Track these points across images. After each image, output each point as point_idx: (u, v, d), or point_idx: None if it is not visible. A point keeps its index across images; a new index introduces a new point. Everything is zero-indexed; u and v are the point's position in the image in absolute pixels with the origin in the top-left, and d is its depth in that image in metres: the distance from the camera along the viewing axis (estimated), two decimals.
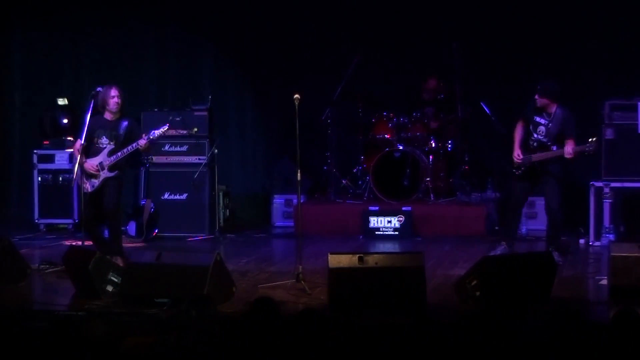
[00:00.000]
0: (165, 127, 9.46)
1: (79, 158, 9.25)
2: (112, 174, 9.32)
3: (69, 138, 12.33)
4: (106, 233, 10.14)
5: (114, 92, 9.38)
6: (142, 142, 9.22)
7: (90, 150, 9.35)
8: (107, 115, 9.42)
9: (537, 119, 9.68)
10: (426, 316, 5.98)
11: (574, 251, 10.49)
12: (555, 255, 9.81)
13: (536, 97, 9.59)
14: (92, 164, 9.30)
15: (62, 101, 12.72)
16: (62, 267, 8.87)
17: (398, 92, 12.66)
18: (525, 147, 9.74)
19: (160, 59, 13.51)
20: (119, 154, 9.29)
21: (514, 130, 9.89)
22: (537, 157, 9.66)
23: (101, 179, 9.32)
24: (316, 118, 12.01)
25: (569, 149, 9.47)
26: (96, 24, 13.40)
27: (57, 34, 13.61)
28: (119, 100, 9.37)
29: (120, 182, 9.50)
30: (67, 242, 10.88)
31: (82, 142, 9.26)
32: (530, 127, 9.71)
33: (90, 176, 9.32)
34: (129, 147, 9.28)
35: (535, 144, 9.70)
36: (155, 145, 10.61)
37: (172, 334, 5.22)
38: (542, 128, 9.66)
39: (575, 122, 9.66)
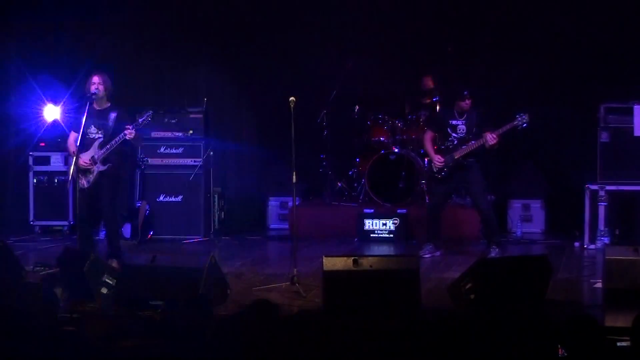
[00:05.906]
0: (150, 114, 9.48)
1: (75, 153, 9.24)
2: (104, 167, 9.31)
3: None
4: (101, 235, 10.13)
5: (94, 79, 9.40)
6: (128, 132, 9.19)
7: (84, 143, 9.33)
8: (95, 105, 9.45)
9: (454, 121, 10.29)
10: (420, 319, 5.97)
11: (569, 254, 10.51)
12: (495, 251, 9.96)
13: (467, 101, 10.13)
14: (84, 159, 9.31)
15: (58, 103, 12.70)
16: (56, 269, 8.87)
17: (393, 95, 12.65)
18: (442, 151, 10.33)
19: (156, 61, 13.48)
20: (108, 146, 9.29)
21: (423, 142, 10.62)
22: (459, 152, 10.20)
23: (95, 172, 9.32)
24: (312, 121, 12.01)
25: (497, 133, 10.01)
26: (92, 26, 13.38)
27: (54, 36, 13.58)
28: (99, 87, 9.36)
29: (117, 181, 9.49)
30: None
31: (78, 135, 9.26)
32: (449, 130, 10.28)
33: (85, 172, 9.32)
34: (117, 139, 9.26)
35: (455, 142, 10.26)
36: (145, 138, 10.57)
37: (166, 335, 5.21)
38: (461, 127, 10.29)
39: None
